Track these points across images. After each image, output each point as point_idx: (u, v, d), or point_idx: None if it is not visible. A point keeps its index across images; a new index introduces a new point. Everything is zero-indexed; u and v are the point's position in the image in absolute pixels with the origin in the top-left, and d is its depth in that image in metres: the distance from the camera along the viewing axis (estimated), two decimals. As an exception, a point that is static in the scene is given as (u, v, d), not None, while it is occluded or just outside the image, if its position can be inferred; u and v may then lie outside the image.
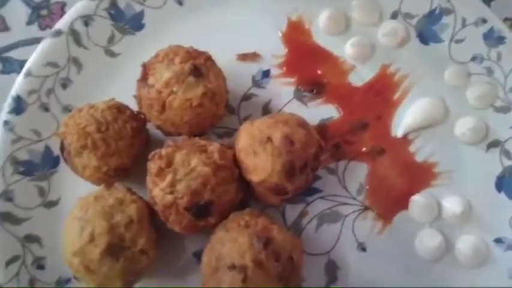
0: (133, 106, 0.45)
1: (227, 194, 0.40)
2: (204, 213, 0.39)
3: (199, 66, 0.43)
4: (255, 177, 0.40)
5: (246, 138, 0.41)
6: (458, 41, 0.50)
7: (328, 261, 0.45)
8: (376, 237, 0.46)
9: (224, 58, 0.47)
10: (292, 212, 0.46)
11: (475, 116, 0.48)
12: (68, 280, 0.44)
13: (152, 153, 0.40)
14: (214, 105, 0.43)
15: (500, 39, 0.49)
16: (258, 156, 0.40)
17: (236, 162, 0.42)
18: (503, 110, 0.48)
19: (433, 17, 0.51)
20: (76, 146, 0.41)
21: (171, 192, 0.38)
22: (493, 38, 0.49)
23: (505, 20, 0.53)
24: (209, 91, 0.42)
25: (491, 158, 0.48)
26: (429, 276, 0.44)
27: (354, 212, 0.46)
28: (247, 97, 0.50)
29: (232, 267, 0.36)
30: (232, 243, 0.37)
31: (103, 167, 0.41)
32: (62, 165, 0.46)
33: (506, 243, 0.45)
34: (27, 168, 0.46)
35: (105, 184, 0.41)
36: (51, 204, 0.46)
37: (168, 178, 0.39)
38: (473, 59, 0.50)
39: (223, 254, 0.37)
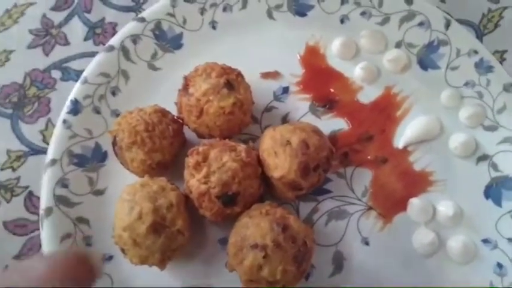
0: (172, 112, 0.52)
1: (251, 187, 0.47)
2: (232, 202, 0.46)
3: (232, 80, 0.50)
4: (275, 174, 0.47)
5: (269, 141, 0.48)
6: (453, 68, 0.57)
7: (335, 252, 0.50)
8: (378, 234, 0.51)
9: (250, 75, 0.53)
10: (305, 208, 0.52)
11: (467, 133, 0.54)
12: (110, 257, 0.50)
13: (191, 149, 0.47)
14: (242, 113, 0.50)
15: (489, 68, 0.55)
16: (278, 156, 0.47)
17: (259, 162, 0.49)
18: (491, 128, 0.54)
19: (432, 47, 0.58)
20: (127, 142, 0.48)
21: (205, 183, 0.45)
22: (483, 67, 0.56)
23: (495, 52, 0.59)
24: (239, 101, 0.49)
25: (480, 170, 0.53)
26: (423, 269, 0.50)
27: (359, 211, 0.52)
28: (268, 109, 0.57)
29: (255, 246, 0.43)
30: (255, 227, 0.44)
31: (148, 161, 0.48)
32: (109, 159, 0.53)
33: (492, 243, 0.50)
34: (80, 161, 0.53)
35: (148, 175, 0.48)
36: (99, 193, 0.52)
37: (204, 171, 0.46)
38: (466, 84, 0.56)
39: (247, 236, 0.44)
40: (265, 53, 0.59)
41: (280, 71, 0.58)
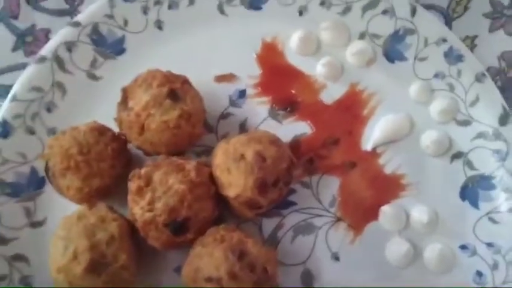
0: (116, 128, 0.47)
1: (204, 210, 0.42)
2: (182, 230, 0.41)
3: (176, 89, 0.45)
4: (230, 193, 0.43)
5: (221, 156, 0.43)
6: (422, 59, 0.53)
7: (303, 270, 0.46)
8: (349, 247, 0.47)
9: (202, 79, 0.49)
10: (268, 225, 0.48)
11: (439, 130, 0.50)
12: (55, 297, 0.45)
13: (132, 173, 0.42)
14: (190, 126, 0.45)
15: (460, 57, 0.51)
16: (232, 172, 0.42)
17: (212, 179, 0.44)
18: (465, 123, 0.51)
19: (398, 37, 0.53)
20: (60, 168, 0.42)
21: (150, 210, 0.40)
22: (452, 56, 0.52)
23: (466, 38, 0.55)
24: (185, 113, 0.44)
25: (455, 169, 0.50)
26: (399, 282, 0.46)
27: (327, 223, 0.48)
28: (224, 116, 0.52)
29: (209, 279, 0.38)
30: (208, 257, 0.39)
31: (85, 188, 0.43)
32: (48, 185, 0.47)
33: (471, 250, 0.47)
34: (13, 190, 0.47)
35: (87, 203, 0.43)
36: (38, 224, 0.47)
37: (147, 196, 0.41)
38: (436, 75, 0.52)
39: (200, 267, 0.39)
40: (219, 54, 0.54)
41: (235, 73, 0.53)
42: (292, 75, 0.54)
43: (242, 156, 0.43)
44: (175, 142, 0.44)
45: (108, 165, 0.44)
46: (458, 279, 0.46)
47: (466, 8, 0.57)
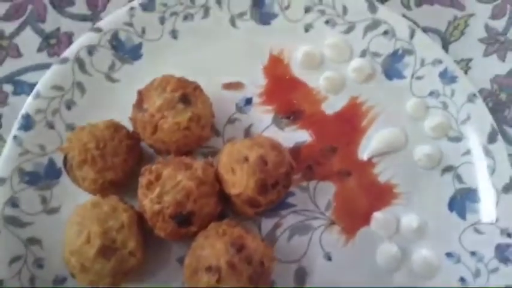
0: (130, 126, 0.50)
1: (208, 206, 0.45)
2: (187, 222, 0.44)
3: (188, 94, 0.49)
4: (232, 191, 0.46)
5: (226, 157, 0.47)
6: (418, 78, 0.56)
7: (297, 267, 0.49)
8: (341, 249, 0.50)
9: (212, 86, 0.52)
10: (267, 224, 0.51)
11: (431, 144, 0.53)
12: (64, 279, 0.48)
13: (143, 168, 0.46)
14: (199, 128, 0.48)
15: (453, 78, 0.54)
16: (236, 172, 0.46)
17: (217, 178, 0.47)
18: (456, 139, 0.54)
19: (397, 56, 0.56)
20: (77, 160, 0.46)
21: (159, 202, 0.44)
22: (447, 77, 0.55)
23: (461, 60, 0.59)
24: (195, 116, 0.48)
25: (445, 181, 0.52)
26: (388, 284, 0.49)
27: (322, 225, 0.51)
28: (231, 121, 0.55)
29: (209, 269, 0.41)
30: (210, 248, 0.43)
31: (99, 180, 0.46)
32: (63, 177, 0.51)
33: (456, 257, 0.49)
34: (31, 178, 0.50)
35: (101, 194, 0.46)
36: (52, 211, 0.50)
37: (157, 190, 0.44)
38: (431, 94, 0.55)
39: (201, 257, 0.42)
40: (228, 63, 0.57)
41: (243, 82, 0.57)
42: (296, 86, 0.57)
43: (246, 159, 0.46)
44: (184, 142, 0.48)
45: (121, 159, 0.47)
46: (444, 283, 0.49)
47: (462, 33, 0.61)
